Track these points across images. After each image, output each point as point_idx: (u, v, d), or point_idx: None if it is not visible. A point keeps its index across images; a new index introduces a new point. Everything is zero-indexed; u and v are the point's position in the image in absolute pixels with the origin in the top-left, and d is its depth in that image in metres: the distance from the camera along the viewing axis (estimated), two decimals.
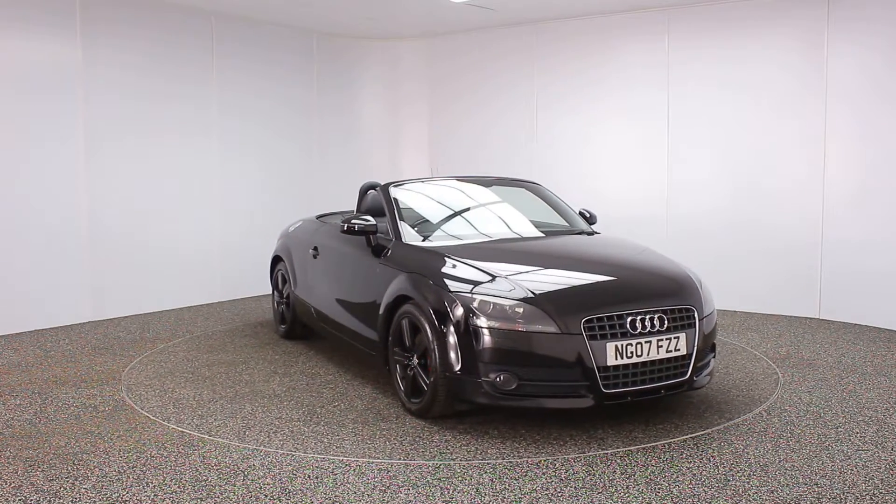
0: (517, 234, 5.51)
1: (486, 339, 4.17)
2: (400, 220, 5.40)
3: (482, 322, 4.19)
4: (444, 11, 8.59)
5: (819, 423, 4.48)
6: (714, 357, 4.75)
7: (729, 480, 3.65)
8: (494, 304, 4.23)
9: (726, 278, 8.07)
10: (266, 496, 3.49)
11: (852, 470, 3.77)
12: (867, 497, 3.46)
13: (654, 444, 4.13)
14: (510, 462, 3.89)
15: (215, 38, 8.56)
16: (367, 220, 5.31)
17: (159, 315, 7.88)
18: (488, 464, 3.86)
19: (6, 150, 6.91)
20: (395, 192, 5.69)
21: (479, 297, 4.28)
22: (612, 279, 4.64)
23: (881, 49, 7.05)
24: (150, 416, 4.64)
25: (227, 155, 8.76)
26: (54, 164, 7.22)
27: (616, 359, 4.14)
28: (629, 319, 4.21)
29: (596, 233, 5.81)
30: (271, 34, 9.20)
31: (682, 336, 4.34)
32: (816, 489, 3.55)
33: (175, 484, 3.63)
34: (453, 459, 3.92)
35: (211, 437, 4.26)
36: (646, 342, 4.21)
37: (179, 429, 4.41)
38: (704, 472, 3.74)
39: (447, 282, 4.47)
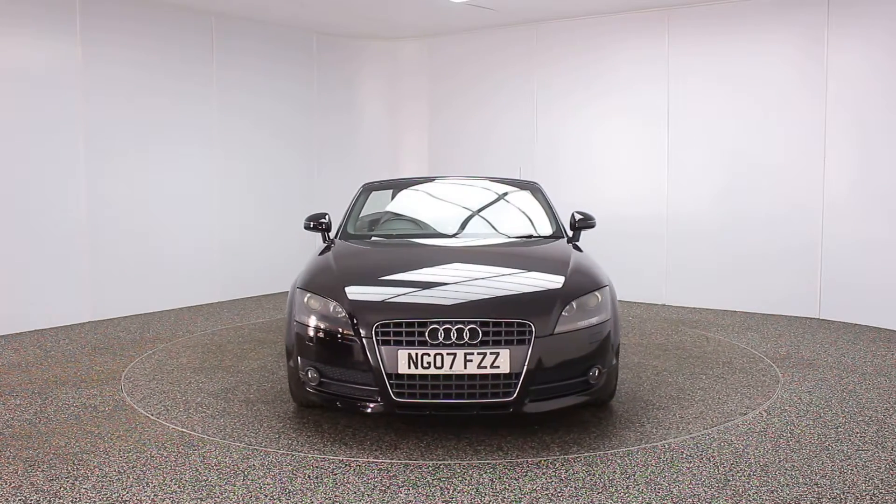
0: (449, 235, 5.47)
1: (301, 334, 4.30)
2: (347, 217, 5.70)
3: (300, 318, 4.33)
4: (444, 11, 8.59)
5: (819, 423, 4.48)
6: (591, 379, 4.20)
7: (729, 480, 3.65)
8: (314, 301, 4.33)
9: (727, 278, 8.08)
10: (266, 496, 3.49)
11: (852, 470, 3.77)
12: (867, 497, 3.46)
13: (654, 444, 4.13)
14: (510, 462, 3.89)
15: (215, 37, 8.56)
16: (322, 219, 5.58)
17: (159, 315, 7.88)
18: (488, 464, 3.86)
19: (6, 150, 6.91)
20: (370, 191, 6.02)
21: (307, 295, 4.39)
22: (444, 287, 4.40)
23: (881, 47, 7.05)
24: (150, 416, 4.64)
25: (227, 154, 8.76)
26: (54, 164, 7.22)
27: (409, 368, 3.94)
28: (430, 328, 3.96)
29: (560, 238, 5.44)
30: (271, 34, 9.19)
31: (505, 353, 3.94)
32: (816, 489, 3.55)
33: (175, 484, 3.62)
34: (453, 459, 3.92)
35: (211, 437, 4.26)
36: (448, 354, 3.92)
37: (179, 429, 4.41)
38: (704, 472, 3.74)
39: (302, 278, 4.64)
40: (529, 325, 4.01)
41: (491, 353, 3.93)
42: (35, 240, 7.11)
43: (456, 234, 5.52)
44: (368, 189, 6.09)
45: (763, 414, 4.64)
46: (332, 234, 5.64)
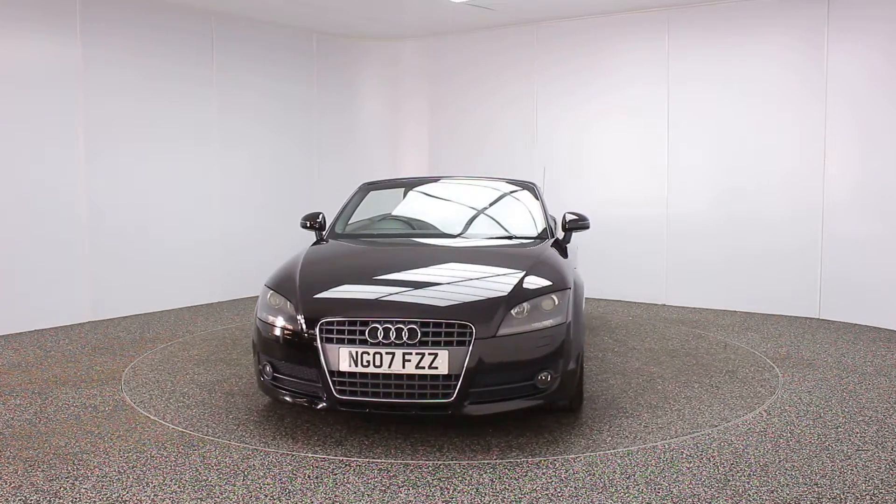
0: (433, 236, 5.54)
1: (261, 330, 4.41)
2: (338, 217, 5.79)
3: (262, 314, 4.45)
4: (444, 11, 8.59)
5: (819, 423, 4.48)
6: (539, 383, 4.09)
7: (729, 480, 3.65)
8: (274, 299, 4.44)
9: (727, 278, 8.08)
10: (266, 496, 3.49)
11: (852, 470, 3.77)
12: (867, 497, 3.46)
13: (654, 444, 4.13)
14: (510, 462, 3.89)
15: (215, 38, 8.56)
16: (317, 218, 5.68)
17: (159, 315, 7.88)
18: (488, 464, 3.86)
19: (6, 150, 6.91)
20: (367, 191, 6.08)
21: (270, 293, 4.51)
22: (395, 287, 4.42)
23: (881, 47, 7.06)
24: (150, 416, 4.64)
25: (228, 155, 8.76)
26: (54, 164, 7.22)
27: (350, 365, 3.97)
28: (371, 327, 3.98)
29: (546, 239, 5.32)
30: (271, 34, 9.19)
31: (444, 354, 3.92)
32: (816, 489, 3.55)
33: (175, 484, 3.62)
34: (453, 459, 3.92)
35: (211, 437, 4.26)
36: (387, 353, 3.93)
37: (179, 429, 4.41)
38: (704, 472, 3.74)
39: (270, 275, 4.74)
40: (470, 327, 3.97)
41: (429, 354, 3.93)
42: (35, 240, 7.11)
43: (440, 235, 5.53)
44: (366, 189, 6.10)
45: (763, 414, 4.64)
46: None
